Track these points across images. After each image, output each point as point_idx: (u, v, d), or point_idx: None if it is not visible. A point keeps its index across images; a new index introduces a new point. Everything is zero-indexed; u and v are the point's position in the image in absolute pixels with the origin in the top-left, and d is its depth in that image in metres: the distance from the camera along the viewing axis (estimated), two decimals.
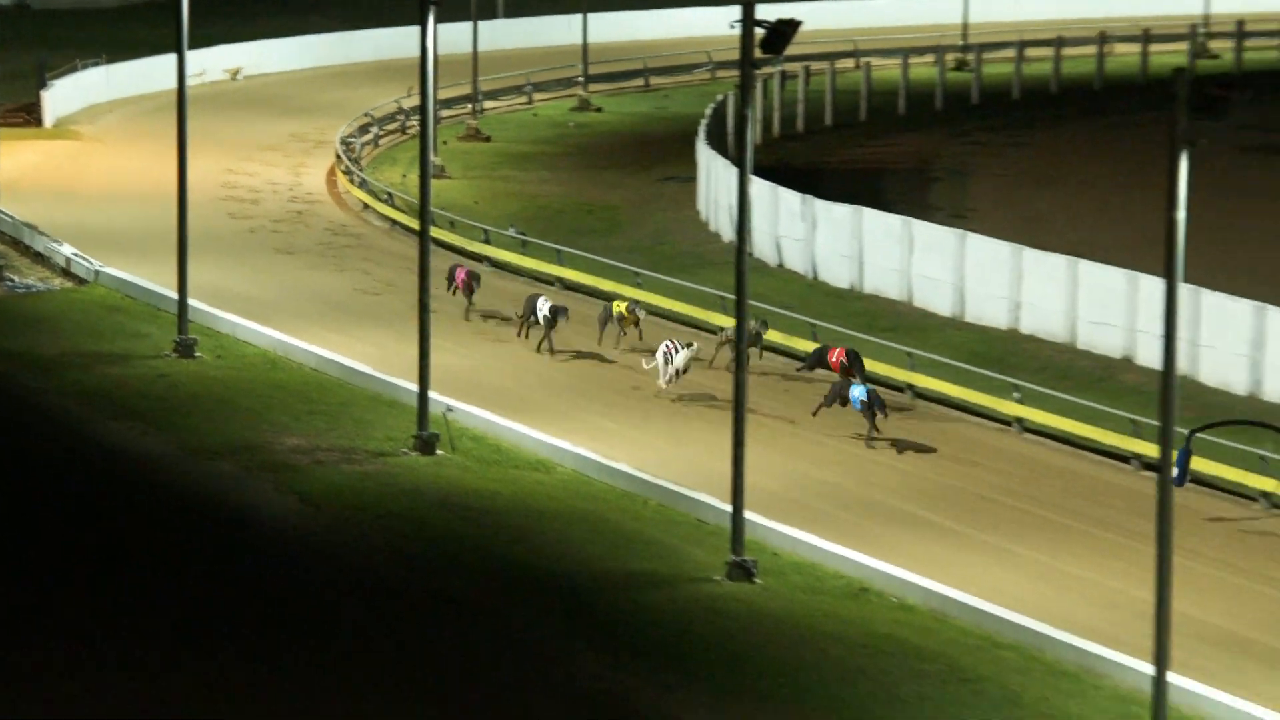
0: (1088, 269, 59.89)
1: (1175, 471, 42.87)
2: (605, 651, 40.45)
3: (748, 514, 44.20)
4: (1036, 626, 40.94)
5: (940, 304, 63.17)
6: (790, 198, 67.97)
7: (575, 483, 49.19)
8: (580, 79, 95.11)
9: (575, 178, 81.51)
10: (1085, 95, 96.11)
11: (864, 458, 50.22)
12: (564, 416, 53.50)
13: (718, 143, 74.55)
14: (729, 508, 44.21)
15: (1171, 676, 36.84)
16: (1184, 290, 38.73)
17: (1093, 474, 50.62)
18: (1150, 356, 55.43)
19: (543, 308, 59.02)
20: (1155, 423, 40.93)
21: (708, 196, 73.36)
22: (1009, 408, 53.29)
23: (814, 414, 53.23)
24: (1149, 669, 36.95)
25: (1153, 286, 53.88)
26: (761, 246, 67.75)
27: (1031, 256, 61.38)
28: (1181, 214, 37.01)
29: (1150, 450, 47.98)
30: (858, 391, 52.00)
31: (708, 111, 79.27)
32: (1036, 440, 51.85)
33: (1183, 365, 49.52)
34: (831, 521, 46.76)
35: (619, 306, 59.63)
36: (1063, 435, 52.24)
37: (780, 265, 67.73)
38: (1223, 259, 59.67)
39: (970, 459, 51.42)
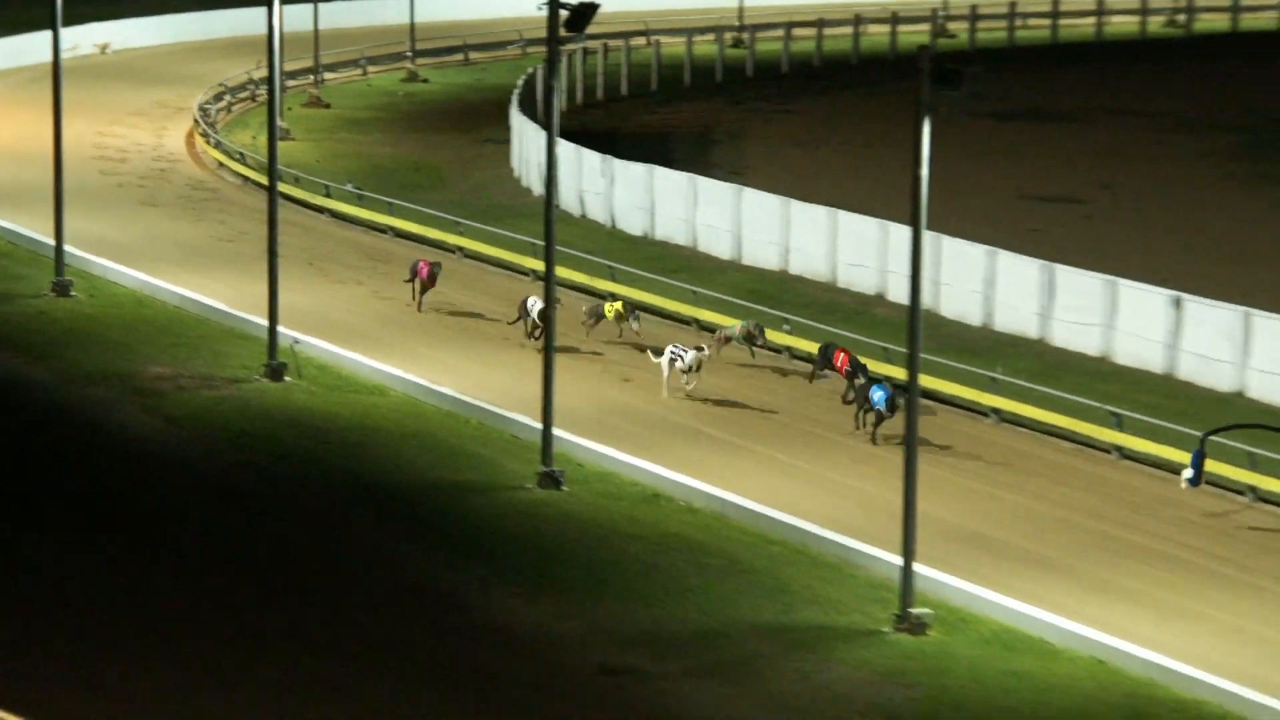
0: (846, 218, 60.18)
1: (1191, 472, 43.40)
2: (432, 551, 40.55)
3: (556, 431, 44.34)
4: (803, 525, 41.28)
5: (721, 249, 63.30)
6: (592, 157, 67.98)
7: (406, 405, 49.11)
8: (409, 54, 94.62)
9: (405, 140, 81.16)
10: (843, 69, 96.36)
11: (657, 385, 50.33)
12: (397, 349, 53.35)
13: (529, 110, 74.37)
14: (539, 425, 44.35)
15: (916, 566, 37.46)
16: (928, 236, 38.96)
17: None
18: (899, 294, 55.81)
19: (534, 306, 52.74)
20: (904, 349, 41.23)
21: (520, 156, 73.25)
22: (779, 338, 53.56)
23: (856, 430, 47.75)
24: (897, 560, 37.56)
25: (901, 233, 54.18)
26: (567, 200, 67.73)
27: (798, 208, 61.59)
28: (925, 170, 37.44)
29: (899, 373, 48.36)
30: (879, 395, 46.83)
31: (520, 83, 79.10)
32: (804, 365, 52.09)
33: (927, 301, 49.93)
34: (629, 437, 46.87)
35: (612, 308, 53.88)
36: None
37: (583, 216, 67.71)
38: (961, 209, 60.02)
39: (748, 382, 51.64)
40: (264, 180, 59.73)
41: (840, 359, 49.27)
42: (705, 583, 39.10)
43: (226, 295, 56.64)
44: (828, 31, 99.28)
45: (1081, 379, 50.71)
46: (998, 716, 34.01)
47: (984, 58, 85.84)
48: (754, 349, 52.73)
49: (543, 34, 45.60)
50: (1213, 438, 43.62)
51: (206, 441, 45.50)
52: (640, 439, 46.79)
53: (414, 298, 56.87)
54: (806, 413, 49.04)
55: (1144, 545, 41.31)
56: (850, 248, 59.79)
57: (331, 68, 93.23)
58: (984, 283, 56.02)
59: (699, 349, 50.00)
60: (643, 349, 51.79)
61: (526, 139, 71.96)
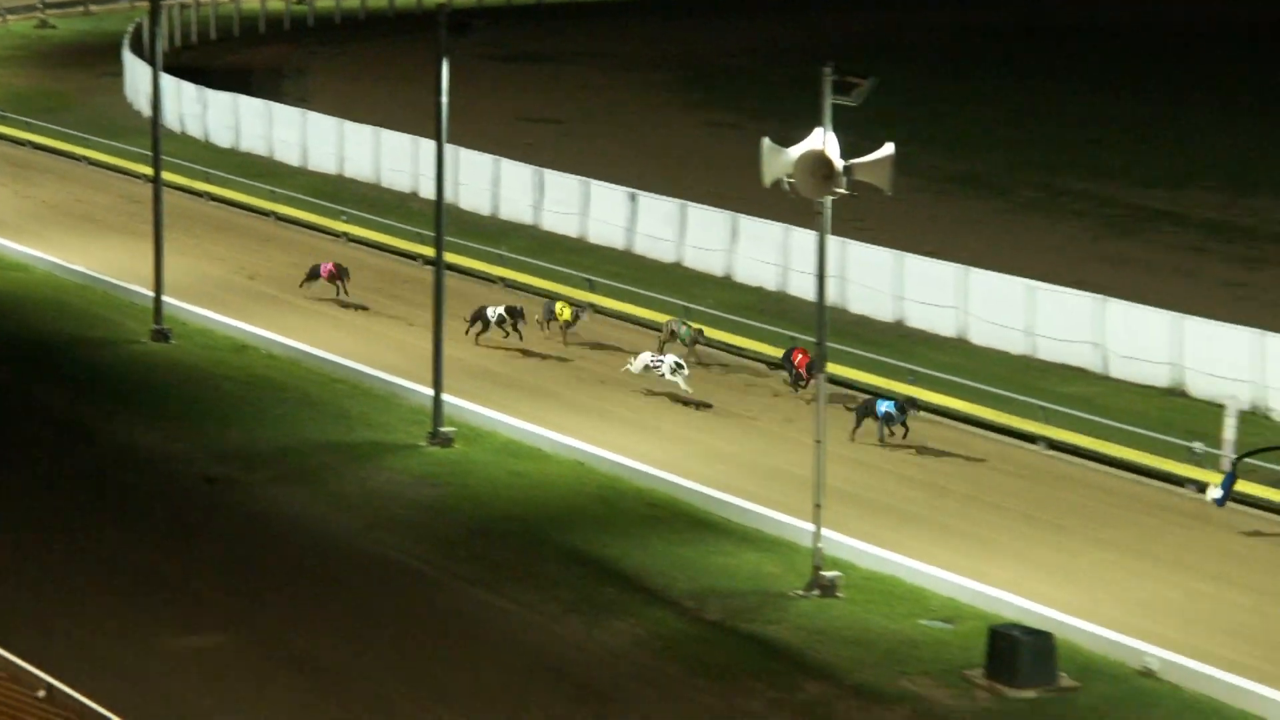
0: (387, 135, 59.46)
1: (1220, 493, 34.52)
2: (68, 393, 39.86)
3: (165, 298, 43.70)
4: (359, 367, 41.16)
5: (292, 159, 62.10)
6: (189, 87, 66.63)
7: (47, 279, 47.94)
8: (40, 4, 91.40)
9: (39, 74, 78.27)
10: (382, 21, 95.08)
11: (241, 263, 49.53)
12: (37, 235, 51.73)
13: (138, 50, 72.35)
14: (152, 293, 43.63)
15: (445, 396, 37.58)
16: (449, 148, 39.07)
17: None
18: (428, 192, 54.54)
19: (493, 313, 43.12)
20: (432, 232, 41.07)
21: (132, 86, 71.18)
22: (340, 226, 53.32)
23: (852, 439, 37.59)
24: (430, 391, 37.72)
25: (428, 145, 52.68)
26: (170, 121, 66.17)
27: (350, 127, 60.71)
28: (444, 99, 37.41)
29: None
30: (885, 406, 37.66)
31: (130, 29, 76.95)
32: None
33: (450, 198, 49.39)
34: (224, 303, 46.17)
35: (563, 310, 43.50)
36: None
37: (183, 133, 66.05)
38: (473, 129, 59.69)
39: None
40: None
41: (799, 359, 40.10)
42: (283, 412, 38.94)
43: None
44: None
45: (565, 255, 51.12)
46: (503, 504, 34.46)
47: (488, 13, 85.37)
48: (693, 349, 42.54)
49: None
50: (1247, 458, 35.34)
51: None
52: (232, 304, 46.15)
53: (339, 294, 46.47)
54: (359, 281, 48.77)
55: (608, 376, 41.92)
56: (390, 157, 59.37)
57: None
58: (491, 183, 56.10)
59: (679, 367, 39.89)
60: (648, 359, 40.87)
61: (136, 73, 70.05)
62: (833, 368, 35.55)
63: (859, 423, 37.65)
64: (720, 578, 31.22)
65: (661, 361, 40.03)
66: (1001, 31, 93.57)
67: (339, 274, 46.28)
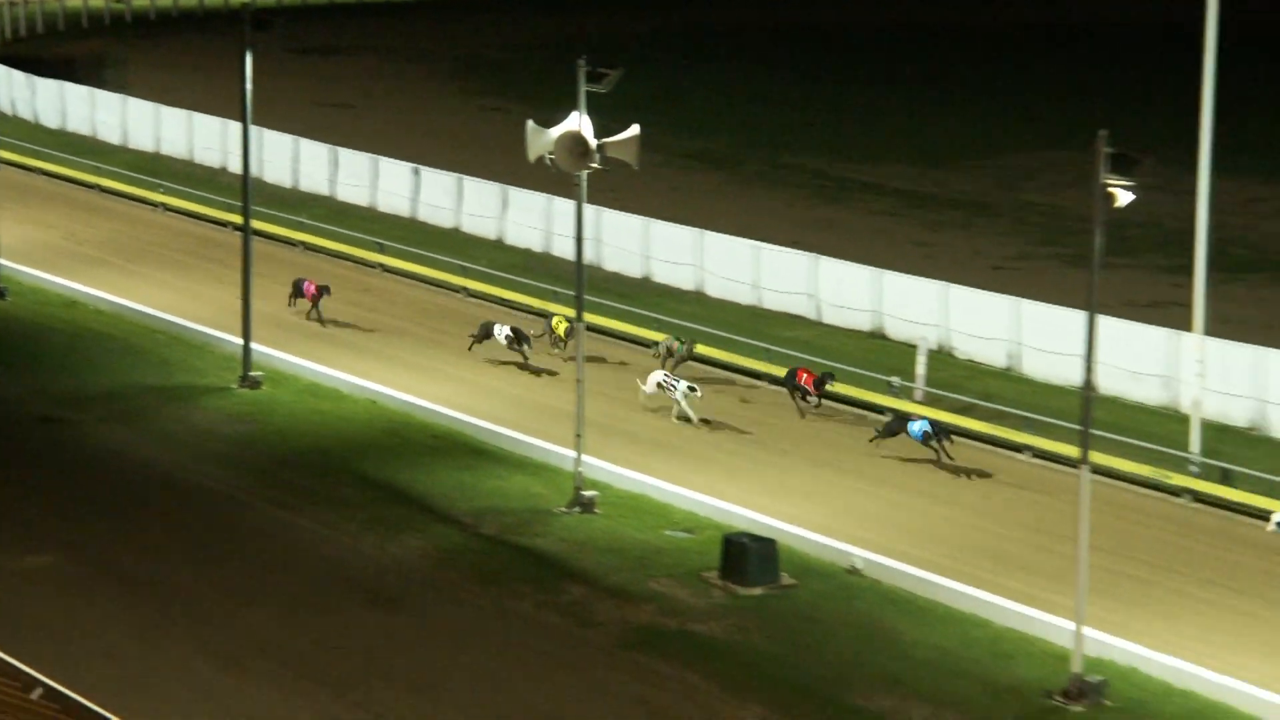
0: (199, 118, 58.52)
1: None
2: None
3: (4, 260, 42.61)
4: (182, 321, 40.61)
5: (113, 138, 60.82)
6: (19, 75, 64.96)
7: None
8: None
9: None
10: (198, 17, 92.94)
11: (74, 233, 48.34)
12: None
13: None
14: None
15: (254, 344, 37.16)
16: (254, 129, 38.54)
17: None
18: (235, 167, 53.19)
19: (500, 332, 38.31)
20: (239, 202, 40.39)
21: None
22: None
23: (871, 440, 34.13)
24: (239, 340, 37.25)
25: (234, 126, 50.94)
26: (2, 105, 64.79)
27: (166, 111, 59.61)
28: (249, 86, 36.88)
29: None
30: (918, 426, 33.60)
31: None
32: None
33: (256, 173, 48.29)
34: (53, 265, 45.14)
35: (559, 324, 38.80)
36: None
37: (14, 115, 64.39)
38: (277, 113, 58.70)
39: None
40: None
41: (804, 378, 36.30)
42: (110, 360, 38.31)
43: None
44: None
45: (358, 222, 50.54)
46: (305, 438, 34.24)
47: (287, 11, 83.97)
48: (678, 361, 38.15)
49: None
50: None
51: None
52: (61, 266, 45.10)
53: (310, 315, 41.12)
54: (180, 246, 47.86)
55: (400, 329, 41.70)
56: (201, 138, 58.30)
57: None
58: (292, 159, 55.28)
59: (692, 389, 35.28)
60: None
61: None
62: (590, 317, 35.69)
63: (887, 435, 33.87)
64: (495, 498, 31.34)
65: (675, 384, 35.30)
66: (735, 29, 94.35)
67: (320, 293, 40.81)
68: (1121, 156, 24.15)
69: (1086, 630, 25.41)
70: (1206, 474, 32.59)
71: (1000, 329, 39.39)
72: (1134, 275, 45.65)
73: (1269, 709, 24.87)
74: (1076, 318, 36.31)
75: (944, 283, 40.98)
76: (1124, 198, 24.51)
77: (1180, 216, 41.64)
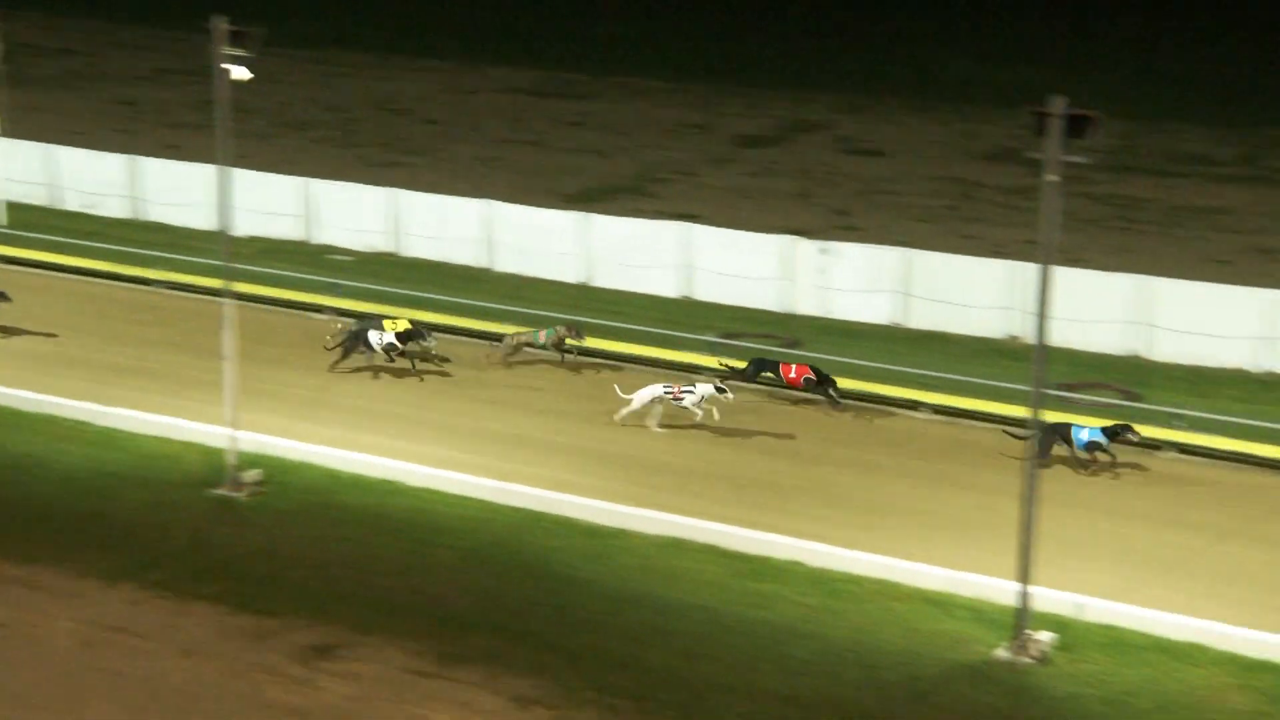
0: None
1: None
2: None
3: None
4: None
5: None
6: None
7: None
8: None
9: None
10: None
11: None
12: None
13: None
14: None
15: None
16: None
17: None
18: None
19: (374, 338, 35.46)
20: None
21: None
22: None
23: (1041, 463, 27.54)
24: None
25: None
26: None
27: None
28: None
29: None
30: (1085, 434, 30.65)
31: None
32: None
33: None
34: None
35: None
36: None
37: None
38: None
39: None
40: None
41: (793, 371, 34.03)
42: None
43: None
44: None
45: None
46: None
47: None
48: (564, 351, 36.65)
49: None
50: None
51: None
52: None
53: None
54: None
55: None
56: None
57: None
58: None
59: (719, 388, 32.70)
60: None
61: None
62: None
63: (1044, 451, 29.66)
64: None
65: (691, 389, 32.46)
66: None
67: None
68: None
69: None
70: None
71: None
72: None
73: None
74: None
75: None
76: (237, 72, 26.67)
77: None
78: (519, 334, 36.53)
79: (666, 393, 32.57)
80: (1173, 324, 37.20)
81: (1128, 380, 35.98)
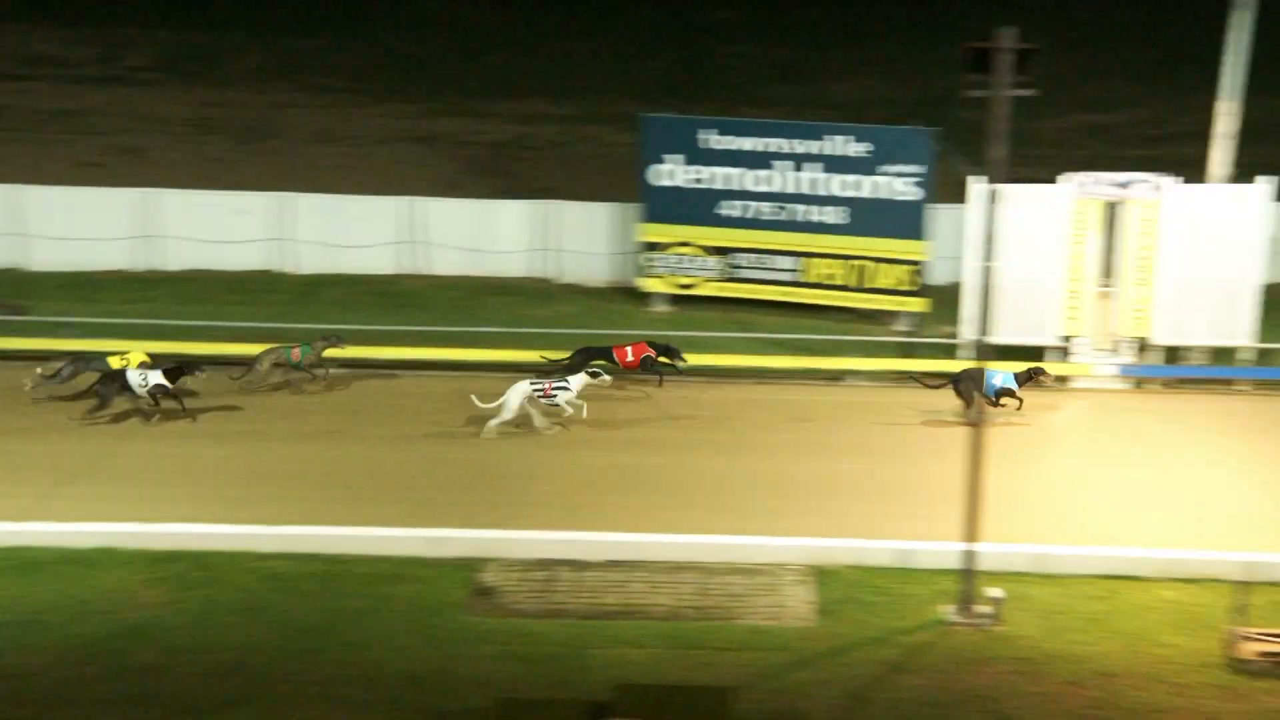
0: None
1: None
2: None
3: None
4: None
5: None
6: None
7: None
8: None
9: None
10: None
11: None
12: None
13: None
14: None
15: None
16: None
17: None
18: None
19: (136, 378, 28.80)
20: None
21: None
22: None
23: (971, 420, 24.09)
24: None
25: None
26: None
27: None
28: None
29: None
30: (998, 380, 28.83)
31: None
32: None
33: None
34: None
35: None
36: None
37: None
38: None
39: None
40: None
41: (630, 353, 29.93)
42: None
43: None
44: None
45: None
46: None
47: None
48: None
49: None
50: None
51: None
52: None
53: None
54: None
55: None
56: None
57: None
58: None
59: (593, 373, 28.84)
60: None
61: None
62: None
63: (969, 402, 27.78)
64: None
65: (566, 384, 28.65)
66: None
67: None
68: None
69: None
70: None
71: None
72: None
73: None
74: None
75: None
76: None
77: None
78: (270, 350, 30.75)
79: (535, 390, 28.62)
80: (48, 231, 37.48)
81: (12, 294, 35.81)
